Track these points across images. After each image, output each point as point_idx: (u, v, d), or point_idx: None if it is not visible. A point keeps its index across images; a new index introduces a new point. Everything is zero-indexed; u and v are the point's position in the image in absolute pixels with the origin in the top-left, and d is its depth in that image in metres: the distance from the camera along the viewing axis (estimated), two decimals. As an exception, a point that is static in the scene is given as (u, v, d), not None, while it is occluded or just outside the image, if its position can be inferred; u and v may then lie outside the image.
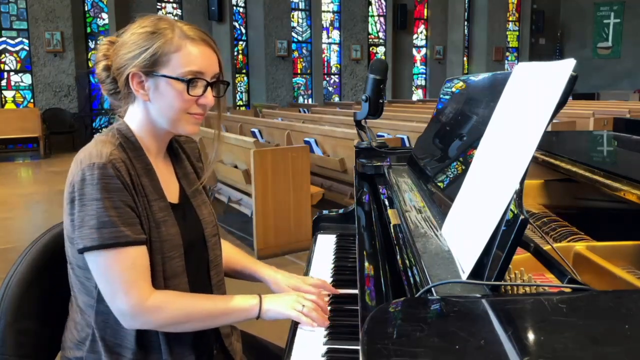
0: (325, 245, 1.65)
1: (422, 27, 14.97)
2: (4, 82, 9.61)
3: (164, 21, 1.10)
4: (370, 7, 13.82)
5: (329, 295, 1.27)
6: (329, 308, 1.21)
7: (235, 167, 4.29)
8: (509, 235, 0.69)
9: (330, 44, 13.45)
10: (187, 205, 1.21)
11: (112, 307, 1.05)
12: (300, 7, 12.84)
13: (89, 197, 1.00)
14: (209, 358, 1.20)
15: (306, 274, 1.46)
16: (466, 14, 15.16)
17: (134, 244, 1.02)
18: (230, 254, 1.34)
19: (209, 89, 1.10)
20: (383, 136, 4.93)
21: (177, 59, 1.07)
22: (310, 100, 13.12)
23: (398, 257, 0.99)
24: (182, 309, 1.07)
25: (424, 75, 15.28)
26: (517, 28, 15.98)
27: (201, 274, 1.21)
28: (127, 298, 1.02)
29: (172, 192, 1.19)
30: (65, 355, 1.15)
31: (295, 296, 1.14)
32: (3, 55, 9.52)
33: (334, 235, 1.72)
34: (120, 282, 1.02)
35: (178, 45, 1.07)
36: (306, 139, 5.00)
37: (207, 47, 1.10)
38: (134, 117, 1.14)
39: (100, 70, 1.14)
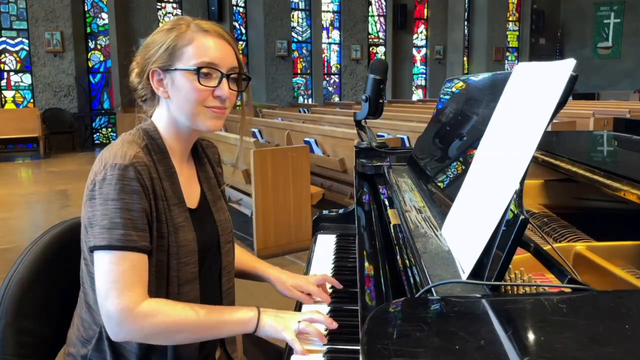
0: (325, 245, 1.65)
1: (422, 27, 14.96)
2: (3, 82, 9.60)
3: (183, 19, 1.12)
4: (370, 7, 13.81)
5: (331, 288, 1.28)
6: (328, 308, 1.21)
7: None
8: (509, 236, 0.69)
9: (330, 44, 13.44)
10: (206, 210, 1.21)
11: (101, 310, 1.01)
12: (300, 7, 12.84)
13: (106, 196, 1.00)
14: None
15: (306, 274, 1.46)
16: (466, 14, 15.16)
17: (140, 251, 1.01)
18: (236, 254, 1.34)
19: (224, 80, 1.09)
20: (383, 136, 4.92)
21: (190, 51, 1.08)
22: (310, 100, 13.11)
23: (398, 257, 0.99)
24: (174, 316, 1.02)
25: (424, 75, 15.27)
26: (517, 28, 15.98)
27: (212, 280, 1.21)
28: (118, 300, 0.99)
29: (192, 196, 1.19)
30: (69, 351, 1.15)
31: (293, 314, 1.09)
32: (3, 55, 9.52)
33: (334, 235, 1.73)
34: (116, 283, 1.00)
35: (191, 38, 1.08)
36: (306, 139, 5.00)
37: (221, 39, 1.10)
38: (159, 118, 1.14)
39: (133, 77, 1.15)
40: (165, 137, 1.14)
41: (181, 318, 1.02)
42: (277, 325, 1.05)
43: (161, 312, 1.01)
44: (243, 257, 1.36)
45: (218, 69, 1.09)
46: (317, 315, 1.07)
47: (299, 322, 1.04)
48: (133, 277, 1.01)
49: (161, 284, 1.07)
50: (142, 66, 1.12)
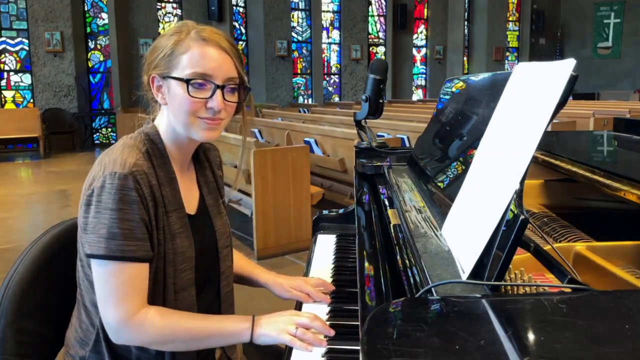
0: (325, 245, 1.65)
1: (422, 27, 14.96)
2: (3, 82, 9.60)
3: (186, 25, 1.10)
4: (370, 7, 13.81)
5: (329, 293, 1.28)
6: (329, 308, 1.21)
7: (235, 167, 4.29)
8: (509, 235, 0.69)
9: (330, 44, 13.44)
10: (204, 215, 1.21)
11: (102, 317, 1.04)
12: (300, 7, 12.84)
13: (105, 205, 0.99)
14: None
15: (306, 274, 1.46)
16: (466, 14, 15.16)
17: (138, 261, 1.02)
18: (234, 259, 1.34)
19: (217, 92, 1.06)
20: (383, 136, 4.92)
21: (186, 60, 1.06)
22: (310, 100, 13.11)
23: (398, 257, 0.99)
24: (169, 326, 1.03)
25: (424, 75, 15.27)
26: (517, 28, 15.98)
27: (211, 285, 1.21)
28: (116, 311, 1.01)
29: (191, 202, 1.18)
30: (68, 352, 1.15)
31: (289, 317, 1.07)
32: (3, 55, 9.51)
33: (334, 235, 1.72)
34: (113, 294, 1.01)
35: (188, 46, 1.06)
36: (306, 139, 5.00)
37: (219, 50, 1.07)
38: (161, 123, 1.14)
39: (144, 79, 1.14)
40: (166, 142, 1.13)
41: (174, 329, 1.04)
42: (271, 332, 1.05)
43: (156, 322, 1.03)
44: (240, 263, 1.36)
45: (211, 81, 1.06)
46: (314, 322, 1.05)
47: (297, 328, 1.04)
48: (130, 288, 1.01)
49: (158, 290, 1.07)
50: (146, 70, 1.11)
